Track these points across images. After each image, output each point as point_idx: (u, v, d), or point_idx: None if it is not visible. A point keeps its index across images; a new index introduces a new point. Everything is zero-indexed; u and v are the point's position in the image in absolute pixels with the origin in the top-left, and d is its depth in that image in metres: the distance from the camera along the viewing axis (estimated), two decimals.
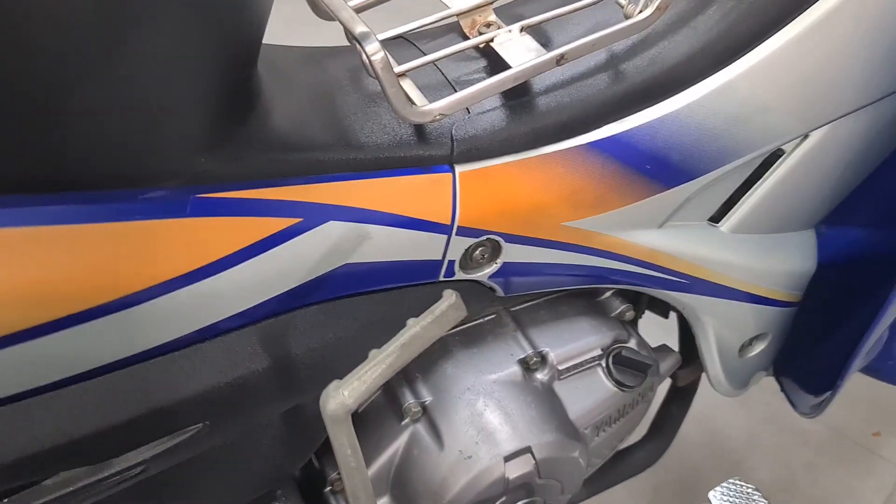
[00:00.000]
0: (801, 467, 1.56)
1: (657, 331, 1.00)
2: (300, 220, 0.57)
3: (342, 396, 0.52)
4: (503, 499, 0.77)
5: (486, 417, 0.76)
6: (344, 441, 0.55)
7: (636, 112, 0.68)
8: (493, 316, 0.83)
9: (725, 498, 0.88)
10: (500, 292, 0.74)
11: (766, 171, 0.80)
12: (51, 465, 0.51)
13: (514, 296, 0.81)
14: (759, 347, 0.97)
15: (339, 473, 0.78)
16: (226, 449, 0.66)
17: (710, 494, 0.88)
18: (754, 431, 1.62)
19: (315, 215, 0.58)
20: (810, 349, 0.98)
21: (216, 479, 0.68)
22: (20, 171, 0.47)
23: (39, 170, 0.48)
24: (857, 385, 1.65)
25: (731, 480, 0.89)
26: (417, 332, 0.53)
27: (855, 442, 1.60)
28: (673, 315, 1.01)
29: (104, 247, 0.49)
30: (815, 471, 1.56)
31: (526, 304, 0.85)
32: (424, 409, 0.77)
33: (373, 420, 0.78)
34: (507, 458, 0.74)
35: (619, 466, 1.08)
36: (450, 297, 0.54)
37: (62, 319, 0.48)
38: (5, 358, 0.47)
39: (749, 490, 0.88)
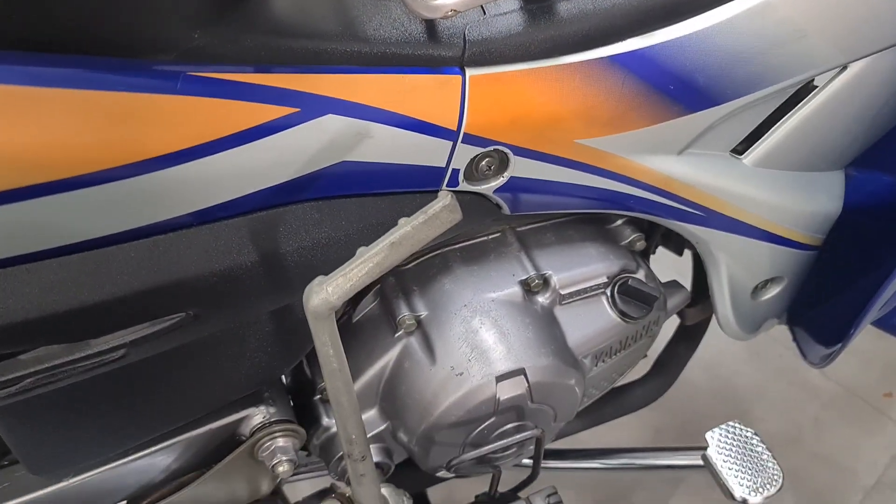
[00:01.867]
0: (808, 422, 1.55)
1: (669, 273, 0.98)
2: (297, 110, 0.55)
3: (326, 293, 0.50)
4: (492, 419, 0.76)
5: (481, 335, 0.74)
6: (326, 340, 0.53)
7: (664, 27, 0.64)
8: (497, 234, 0.81)
9: (723, 440, 0.86)
10: (506, 209, 0.71)
11: (797, 103, 0.76)
12: (27, 339, 0.50)
13: (521, 216, 0.78)
14: (773, 291, 0.94)
15: None
16: (211, 344, 0.65)
17: (708, 435, 0.86)
18: (764, 383, 1.61)
19: (313, 107, 0.55)
20: (826, 297, 0.95)
21: (200, 374, 0.67)
22: (11, 25, 0.45)
23: (30, 25, 0.45)
24: (873, 345, 1.63)
25: (730, 423, 0.87)
26: (408, 231, 0.51)
27: (865, 401, 1.58)
28: (687, 255, 0.99)
29: (91, 115, 0.47)
30: (822, 427, 1.54)
31: (532, 226, 0.82)
32: (419, 322, 0.75)
33: (366, 331, 0.77)
34: (500, 379, 0.73)
35: (617, 401, 1.06)
36: (444, 198, 0.52)
37: (45, 185, 0.47)
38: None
39: (748, 434, 0.86)
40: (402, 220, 0.52)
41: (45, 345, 0.52)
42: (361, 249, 0.52)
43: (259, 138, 0.54)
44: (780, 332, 1.06)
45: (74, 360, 0.54)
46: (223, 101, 0.52)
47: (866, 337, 1.60)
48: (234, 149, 0.53)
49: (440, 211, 0.51)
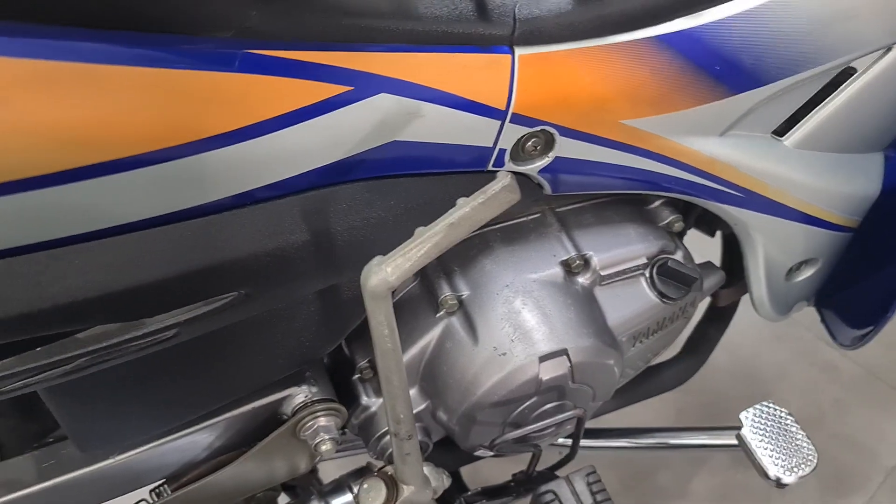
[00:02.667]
0: (829, 403, 1.55)
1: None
2: (351, 88, 0.54)
3: (385, 272, 0.50)
4: (533, 399, 0.76)
5: (523, 316, 0.74)
6: (382, 320, 0.53)
7: (711, 7, 0.64)
8: (537, 215, 0.81)
9: (757, 420, 0.86)
10: (547, 189, 0.71)
11: (839, 85, 0.76)
12: (85, 317, 0.50)
13: (561, 196, 0.78)
14: (807, 273, 0.94)
15: (368, 361, 0.79)
16: (258, 324, 0.65)
17: (742, 415, 0.87)
18: (785, 364, 1.61)
19: (367, 85, 0.55)
20: (859, 279, 0.95)
21: (246, 354, 0.67)
22: (75, 3, 0.44)
23: (92, 2, 0.45)
24: (893, 326, 1.63)
25: (764, 403, 0.87)
26: (467, 212, 0.51)
27: (886, 383, 1.58)
28: (717, 236, 0.99)
29: (151, 92, 0.47)
30: (843, 408, 1.55)
31: (572, 206, 0.82)
32: (461, 302, 0.75)
33: (407, 311, 0.77)
34: (543, 359, 0.73)
35: (649, 382, 1.07)
36: (504, 178, 0.51)
37: (106, 163, 0.46)
38: (46, 198, 0.46)
39: (782, 414, 0.86)
40: (460, 201, 0.52)
41: (102, 324, 0.52)
42: (420, 230, 0.52)
43: (314, 117, 0.54)
44: (800, 314, 1.06)
45: (129, 340, 0.54)
46: (279, 79, 0.52)
47: None
48: (290, 127, 0.53)
49: (500, 191, 0.51)
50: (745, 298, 1.03)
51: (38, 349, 0.51)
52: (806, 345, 1.62)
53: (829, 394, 1.56)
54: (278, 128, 0.52)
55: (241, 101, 0.51)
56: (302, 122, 0.53)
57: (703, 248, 1.00)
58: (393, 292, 0.77)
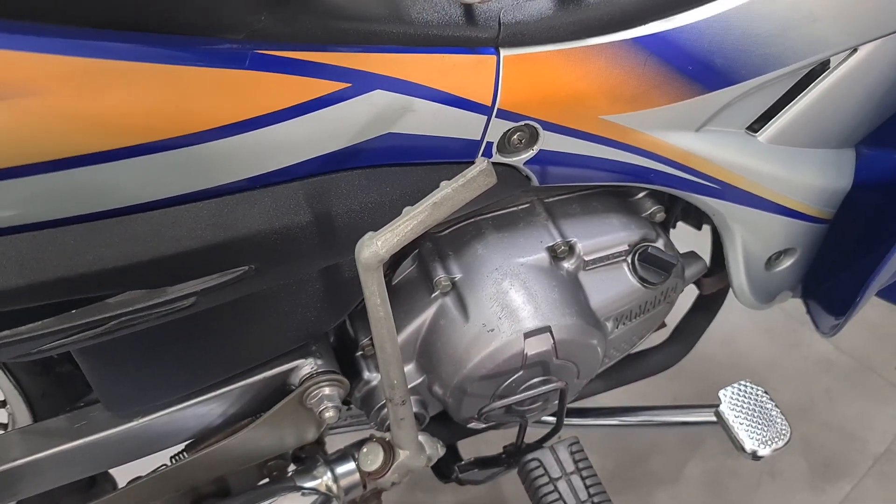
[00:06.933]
0: (820, 393, 1.59)
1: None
2: (349, 85, 0.61)
3: (375, 246, 0.57)
4: (520, 373, 0.83)
5: (510, 296, 0.80)
6: (374, 290, 0.60)
7: (684, 11, 0.69)
8: (525, 205, 0.87)
9: (735, 397, 0.91)
10: (535, 181, 0.77)
11: (810, 83, 0.80)
12: (116, 283, 0.57)
13: (549, 188, 0.84)
14: (786, 263, 0.99)
15: (370, 339, 0.85)
16: (268, 299, 0.72)
17: (721, 393, 0.92)
18: (778, 356, 1.65)
19: (363, 82, 0.61)
20: (835, 269, 1.00)
21: (258, 326, 0.74)
22: (104, 7, 0.51)
23: (120, 7, 0.52)
24: (886, 319, 1.67)
25: (742, 382, 0.93)
26: (448, 193, 0.57)
27: (878, 374, 1.62)
28: (706, 229, 1.04)
29: (171, 86, 0.54)
30: (833, 397, 1.59)
31: (559, 197, 0.88)
32: (454, 284, 0.82)
33: (404, 292, 0.84)
34: (528, 335, 0.79)
35: (638, 365, 1.12)
36: (481, 164, 0.58)
37: (132, 147, 0.54)
38: (84, 177, 0.53)
39: (759, 392, 0.91)
40: (443, 183, 0.58)
41: (130, 290, 0.59)
42: (407, 209, 0.58)
43: (315, 110, 0.60)
44: (794, 309, 1.10)
45: (153, 306, 0.61)
46: (285, 77, 0.58)
47: (879, 311, 1.66)
48: (293, 119, 0.59)
49: (477, 175, 0.57)
50: None
51: (73, 311, 0.58)
52: (799, 338, 1.66)
53: (820, 384, 1.61)
54: (283, 119, 0.59)
55: (251, 94, 0.57)
56: (305, 114, 0.60)
57: (698, 243, 1.05)
58: (392, 275, 0.85)
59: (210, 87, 0.55)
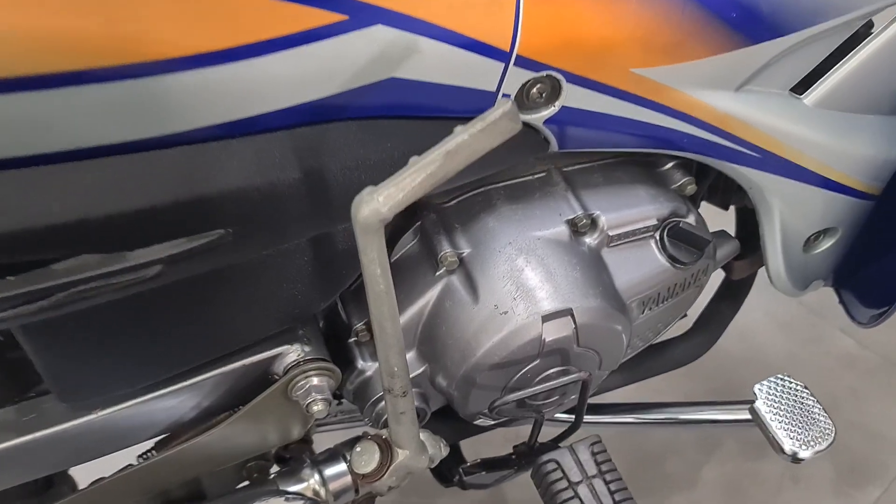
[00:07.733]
0: (844, 391, 1.51)
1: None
2: (345, 17, 0.52)
3: (376, 202, 0.47)
4: (536, 362, 0.73)
5: (526, 274, 0.71)
6: (374, 257, 0.50)
7: None
8: (542, 174, 0.78)
9: (772, 393, 0.83)
10: (553, 145, 0.68)
11: (860, 42, 0.73)
12: (64, 243, 0.48)
13: (568, 155, 0.75)
14: (826, 244, 0.90)
15: (365, 324, 0.75)
16: (248, 271, 0.62)
17: (756, 388, 0.83)
18: (797, 352, 1.57)
19: (362, 15, 0.52)
20: (879, 252, 0.92)
21: (235, 304, 0.64)
22: None
23: None
24: None
25: (779, 376, 0.84)
26: (465, 139, 0.47)
27: None
28: (731, 210, 0.96)
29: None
30: (858, 396, 1.51)
31: (579, 166, 0.79)
32: (461, 260, 0.72)
33: (405, 270, 0.74)
34: (546, 318, 0.70)
35: (661, 357, 1.03)
36: (504, 105, 0.48)
37: (76, 73, 0.44)
38: (9, 108, 0.43)
39: (798, 387, 0.83)
40: (457, 128, 0.49)
41: (81, 252, 0.49)
42: (414, 158, 0.48)
43: (304, 44, 0.51)
44: (814, 302, 1.03)
45: (109, 274, 0.51)
46: (270, 1, 0.49)
47: None
48: (279, 53, 0.50)
49: (500, 118, 0.48)
50: (759, 283, 1.00)
51: (11, 278, 0.48)
52: (818, 332, 1.58)
53: (844, 382, 1.52)
54: (267, 51, 0.50)
55: (231, 19, 0.48)
56: (294, 47, 0.51)
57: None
58: (391, 250, 0.76)
59: (183, 5, 0.46)
